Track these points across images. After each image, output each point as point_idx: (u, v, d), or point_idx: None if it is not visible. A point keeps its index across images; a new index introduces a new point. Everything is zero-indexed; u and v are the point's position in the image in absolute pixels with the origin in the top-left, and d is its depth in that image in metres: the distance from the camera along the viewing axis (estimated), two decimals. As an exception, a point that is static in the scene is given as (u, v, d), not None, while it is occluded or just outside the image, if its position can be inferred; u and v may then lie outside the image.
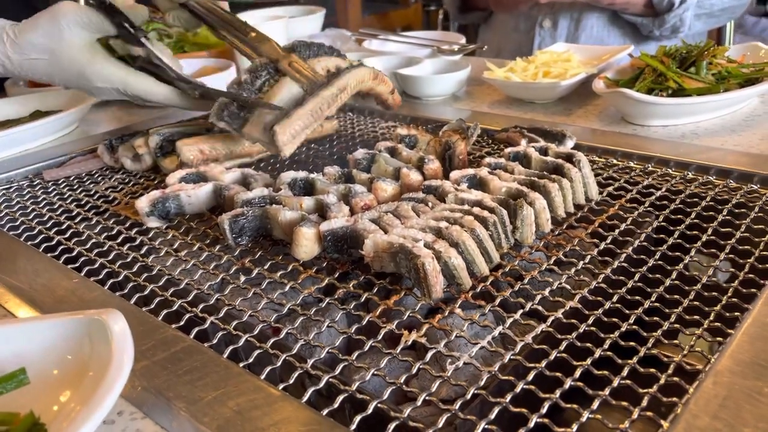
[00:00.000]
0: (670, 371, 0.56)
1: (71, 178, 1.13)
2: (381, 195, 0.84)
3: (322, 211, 0.81)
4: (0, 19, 1.05)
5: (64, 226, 0.93)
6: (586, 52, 1.50)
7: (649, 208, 0.86)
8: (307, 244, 0.75)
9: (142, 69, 1.06)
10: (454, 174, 0.86)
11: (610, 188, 0.91)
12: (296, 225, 0.75)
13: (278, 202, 0.83)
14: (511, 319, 0.64)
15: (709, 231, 0.79)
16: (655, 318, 0.64)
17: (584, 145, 1.07)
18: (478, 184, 0.85)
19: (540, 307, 0.66)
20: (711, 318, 0.64)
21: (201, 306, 0.70)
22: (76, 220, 0.95)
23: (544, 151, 0.93)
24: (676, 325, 0.63)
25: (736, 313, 0.64)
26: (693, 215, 0.82)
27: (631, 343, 0.60)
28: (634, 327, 0.62)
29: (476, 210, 0.75)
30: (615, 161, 1.02)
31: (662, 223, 0.82)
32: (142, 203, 0.86)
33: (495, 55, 2.11)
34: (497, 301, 0.67)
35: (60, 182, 1.11)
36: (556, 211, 0.81)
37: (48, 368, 0.53)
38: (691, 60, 1.19)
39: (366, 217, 0.76)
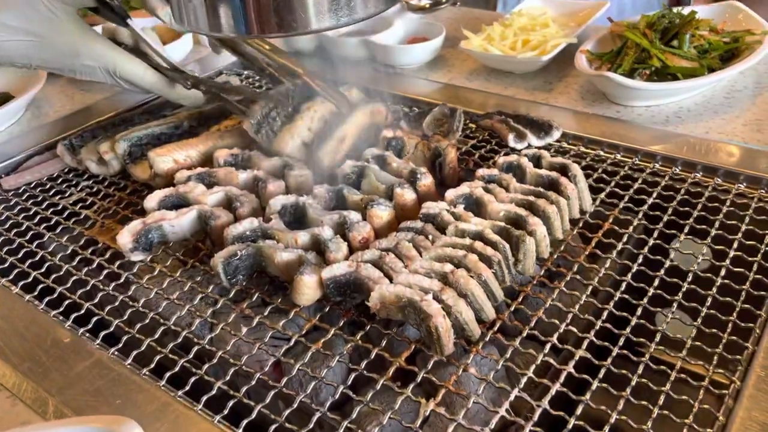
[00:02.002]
0: (683, 436, 0.58)
1: (32, 185, 1.05)
2: (377, 222, 0.81)
3: (319, 247, 0.78)
4: None
5: (37, 258, 0.88)
6: (560, 8, 1.44)
7: (643, 221, 0.86)
8: (308, 292, 0.73)
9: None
10: (449, 194, 0.84)
11: (602, 194, 0.91)
12: (296, 271, 0.73)
13: (271, 236, 0.79)
14: (525, 377, 0.65)
15: (704, 251, 0.80)
16: (662, 366, 0.66)
17: (570, 133, 1.05)
18: (475, 204, 0.83)
19: (551, 360, 0.67)
20: (715, 362, 0.66)
21: (206, 367, 0.69)
22: (50, 249, 0.89)
23: (536, 160, 0.91)
24: (683, 375, 0.65)
25: (737, 356, 0.67)
26: (686, 229, 0.83)
27: (643, 402, 0.62)
28: (643, 380, 0.64)
29: (479, 246, 0.74)
30: (602, 153, 1.01)
31: (657, 241, 0.82)
32: (125, 239, 0.82)
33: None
34: (509, 353, 0.68)
35: (21, 191, 1.04)
36: (555, 234, 0.81)
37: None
38: (674, 31, 1.16)
39: (367, 258, 0.74)
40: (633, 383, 0.64)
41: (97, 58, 0.96)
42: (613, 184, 0.93)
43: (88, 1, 0.95)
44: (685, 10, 1.20)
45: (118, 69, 0.98)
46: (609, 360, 0.66)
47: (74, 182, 1.05)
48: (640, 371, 0.65)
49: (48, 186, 1.05)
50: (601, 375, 0.64)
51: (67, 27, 0.93)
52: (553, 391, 0.63)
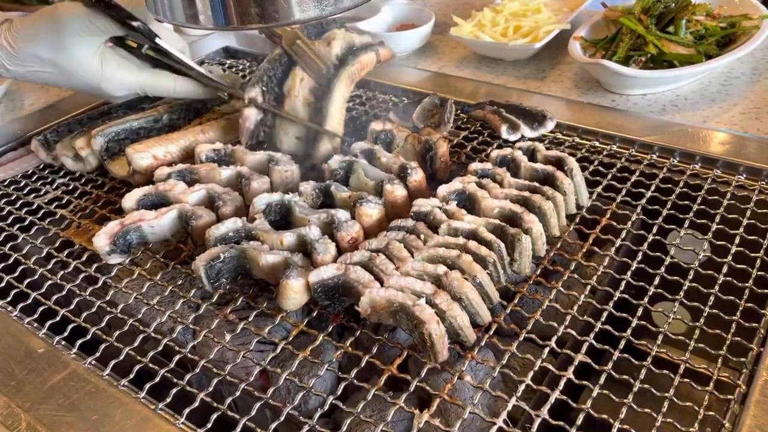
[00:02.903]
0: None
1: (6, 183, 1.01)
2: (366, 221, 0.78)
3: (305, 248, 0.74)
4: None
5: (11, 261, 0.84)
6: (553, -8, 1.40)
7: (642, 216, 0.84)
8: (295, 296, 0.69)
9: (151, 59, 0.99)
10: (441, 191, 0.80)
11: (599, 188, 0.88)
12: (282, 274, 0.70)
13: (255, 237, 0.76)
14: (523, 385, 0.62)
15: (705, 246, 0.77)
16: (664, 370, 0.63)
17: (564, 123, 1.02)
18: (468, 200, 0.80)
19: (550, 366, 0.64)
20: (719, 365, 0.63)
21: (188, 376, 0.65)
22: (24, 251, 0.85)
23: (531, 153, 0.88)
24: (686, 379, 0.62)
25: (742, 358, 0.64)
26: (686, 224, 0.80)
27: (647, 410, 0.59)
28: (645, 386, 0.61)
29: (473, 246, 0.71)
30: (598, 144, 0.98)
31: (656, 237, 0.79)
32: (101, 242, 0.78)
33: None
34: (505, 358, 0.65)
35: (-7, 189, 1.00)
36: (551, 231, 0.78)
37: None
38: (670, 17, 1.13)
39: (356, 259, 0.71)
40: (635, 389, 0.61)
41: (124, 89, 0.97)
42: (609, 177, 0.90)
43: (115, 31, 0.93)
44: (681, -6, 1.17)
45: (148, 90, 0.98)
46: (610, 365, 0.63)
47: (49, 179, 1.01)
48: (642, 376, 0.62)
49: (22, 184, 1.00)
50: (602, 381, 0.62)
51: (88, 65, 0.93)
52: (552, 399, 0.60)
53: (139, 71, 0.97)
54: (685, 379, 0.62)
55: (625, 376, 0.62)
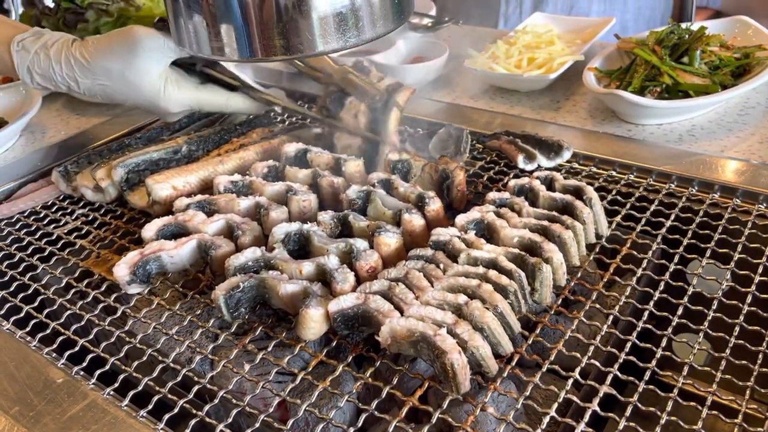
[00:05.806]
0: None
1: (26, 214, 1.02)
2: (384, 250, 0.78)
3: (324, 278, 0.74)
4: (50, 31, 0.99)
5: (30, 291, 0.84)
6: (565, 25, 1.42)
7: (662, 245, 0.83)
8: (314, 326, 0.69)
9: (203, 74, 1.05)
10: (460, 220, 0.80)
11: (618, 217, 0.87)
12: (301, 304, 0.69)
13: (274, 266, 0.76)
14: (547, 417, 0.61)
15: (728, 276, 0.76)
16: (691, 402, 0.62)
17: (580, 153, 1.02)
18: (486, 229, 0.80)
19: (574, 398, 0.63)
20: (747, 396, 0.62)
21: (207, 407, 0.65)
22: (43, 281, 0.85)
23: (549, 182, 0.88)
24: (714, 412, 0.61)
25: (771, 390, 0.63)
26: (708, 253, 0.80)
27: (675, 443, 0.58)
28: (672, 418, 0.60)
29: (493, 275, 0.70)
30: (615, 174, 0.98)
31: (678, 266, 0.79)
32: (122, 271, 0.78)
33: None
34: (528, 390, 0.64)
35: (14, 220, 1.00)
36: (571, 260, 0.77)
37: None
38: (684, 48, 1.14)
39: (375, 288, 0.71)
40: (663, 421, 0.60)
41: (180, 106, 1.02)
42: (628, 206, 0.89)
43: (181, 52, 0.98)
44: (695, 26, 1.17)
45: (203, 106, 1.04)
46: (636, 396, 0.62)
47: (69, 210, 1.01)
48: (669, 408, 0.61)
49: (42, 214, 1.01)
50: (628, 413, 0.61)
51: (151, 81, 0.98)
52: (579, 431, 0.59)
53: (195, 89, 1.02)
54: (713, 412, 0.61)
55: (651, 408, 0.61)
